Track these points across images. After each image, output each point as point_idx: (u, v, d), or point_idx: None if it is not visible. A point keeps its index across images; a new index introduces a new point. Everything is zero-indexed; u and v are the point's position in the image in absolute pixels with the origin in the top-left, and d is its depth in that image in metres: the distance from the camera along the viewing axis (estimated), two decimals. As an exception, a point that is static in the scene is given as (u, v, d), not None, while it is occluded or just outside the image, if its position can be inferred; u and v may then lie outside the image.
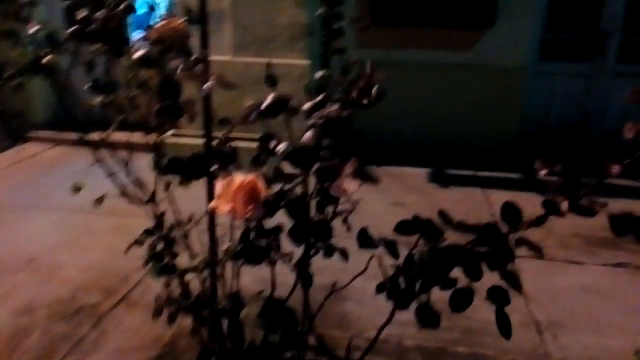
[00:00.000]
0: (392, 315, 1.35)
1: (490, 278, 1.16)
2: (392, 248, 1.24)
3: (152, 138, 1.57)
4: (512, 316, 1.17)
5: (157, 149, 1.58)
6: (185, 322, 1.75)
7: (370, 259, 1.37)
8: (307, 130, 1.20)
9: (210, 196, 1.53)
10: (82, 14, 1.42)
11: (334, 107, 1.18)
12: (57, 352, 2.53)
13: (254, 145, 1.27)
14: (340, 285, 1.61)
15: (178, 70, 1.34)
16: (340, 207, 1.36)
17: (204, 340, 1.70)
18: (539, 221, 1.10)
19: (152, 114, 1.43)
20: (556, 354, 2.60)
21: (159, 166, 1.57)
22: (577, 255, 3.58)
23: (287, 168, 1.25)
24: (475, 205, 4.36)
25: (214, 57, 1.70)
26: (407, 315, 1.28)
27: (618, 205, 1.05)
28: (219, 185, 1.13)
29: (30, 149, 5.79)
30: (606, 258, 3.53)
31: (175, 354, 2.53)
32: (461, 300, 1.16)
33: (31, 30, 1.40)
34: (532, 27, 5.51)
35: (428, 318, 1.21)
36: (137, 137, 1.58)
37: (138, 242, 1.68)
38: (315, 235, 1.33)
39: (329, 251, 1.39)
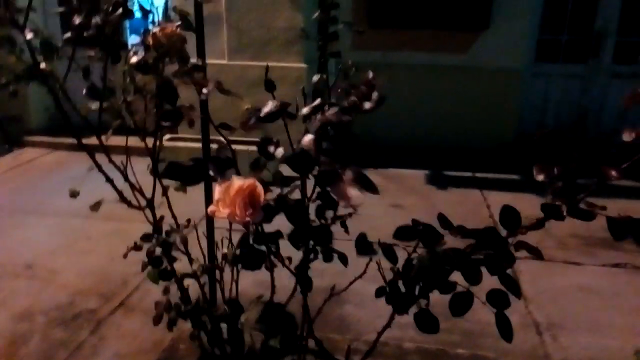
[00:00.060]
0: (391, 319, 1.35)
1: (490, 279, 1.16)
2: (390, 254, 1.24)
3: (149, 142, 1.57)
4: (511, 317, 1.18)
5: (154, 153, 1.57)
6: (185, 326, 1.75)
7: (369, 261, 1.37)
8: (305, 134, 1.20)
9: (209, 200, 1.53)
10: (78, 19, 1.41)
11: (333, 111, 1.17)
12: (56, 358, 2.52)
13: (253, 148, 1.27)
14: (340, 288, 1.61)
15: (175, 76, 1.33)
16: (339, 211, 1.36)
17: (204, 345, 1.69)
18: (538, 225, 1.10)
19: (150, 119, 1.42)
20: (556, 354, 2.60)
21: (157, 171, 1.57)
22: (576, 256, 3.59)
23: (286, 171, 1.25)
24: (474, 206, 4.36)
25: (209, 61, 1.70)
26: (407, 317, 1.27)
27: (617, 205, 1.05)
28: (217, 189, 1.13)
29: (28, 154, 5.78)
30: (605, 258, 3.54)
31: (175, 359, 2.52)
32: (461, 304, 1.16)
33: (27, 37, 1.40)
34: (527, 28, 5.53)
35: (427, 323, 1.21)
36: (134, 141, 1.58)
37: (136, 247, 1.67)
38: (314, 239, 1.33)
39: (328, 255, 1.39)
